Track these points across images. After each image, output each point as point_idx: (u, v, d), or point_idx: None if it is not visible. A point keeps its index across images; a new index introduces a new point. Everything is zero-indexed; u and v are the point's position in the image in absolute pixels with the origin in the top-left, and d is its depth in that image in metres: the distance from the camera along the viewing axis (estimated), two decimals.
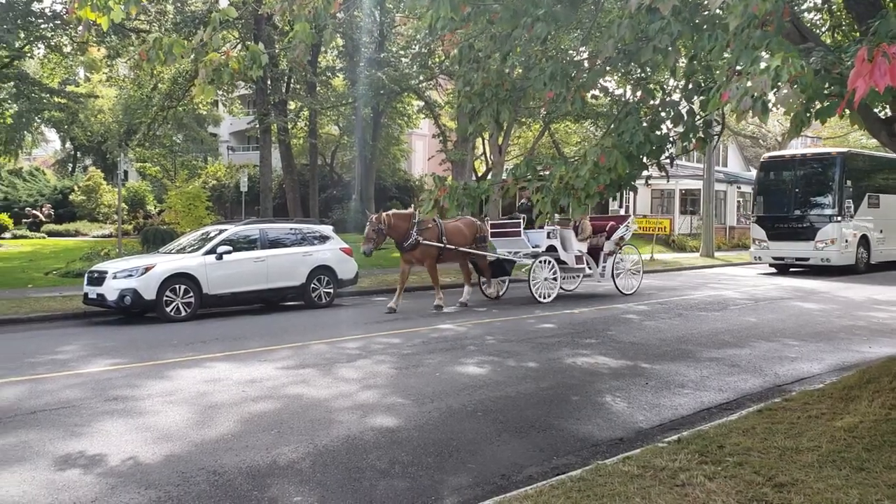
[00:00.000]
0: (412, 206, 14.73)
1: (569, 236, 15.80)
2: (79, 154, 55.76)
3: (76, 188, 42.82)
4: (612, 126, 5.78)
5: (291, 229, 15.40)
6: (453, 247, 14.33)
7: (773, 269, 22.96)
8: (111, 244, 24.23)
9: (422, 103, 33.50)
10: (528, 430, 6.03)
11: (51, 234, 34.40)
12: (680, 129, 5.81)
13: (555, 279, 15.08)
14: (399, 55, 29.34)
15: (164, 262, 12.93)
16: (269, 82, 28.07)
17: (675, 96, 6.90)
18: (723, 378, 7.96)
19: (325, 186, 41.61)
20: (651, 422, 6.35)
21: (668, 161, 5.95)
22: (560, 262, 15.52)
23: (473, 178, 29.49)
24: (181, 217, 26.62)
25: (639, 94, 6.62)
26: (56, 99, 28.30)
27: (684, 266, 25.33)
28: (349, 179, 44.26)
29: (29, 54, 28.76)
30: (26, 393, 7.22)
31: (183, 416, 6.35)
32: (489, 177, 26.01)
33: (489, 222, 16.46)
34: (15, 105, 30.08)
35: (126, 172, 43.86)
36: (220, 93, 29.68)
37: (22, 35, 24.37)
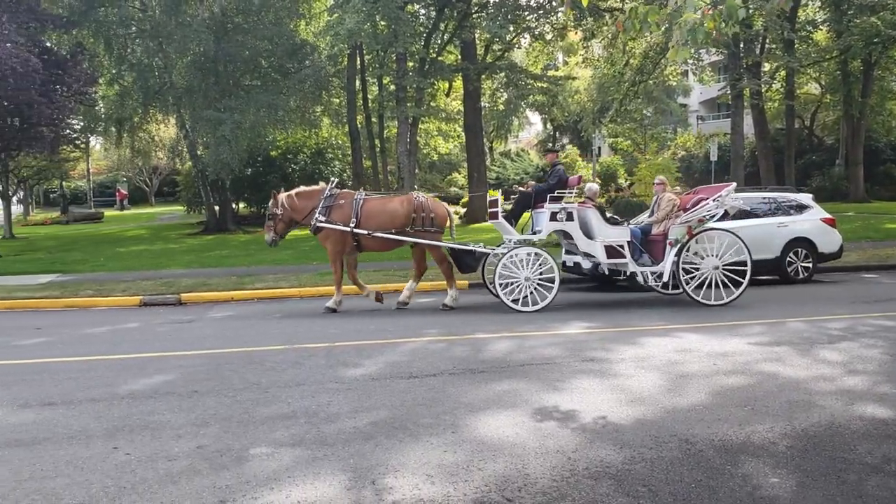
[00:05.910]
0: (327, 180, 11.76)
1: (591, 218, 11.47)
2: (557, 133, 60.84)
3: None
4: None
5: (765, 198, 14.58)
6: (364, 231, 11.03)
7: None
8: None
9: None
10: None
11: None
12: None
13: (551, 281, 11.00)
14: None
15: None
16: (741, 45, 26.87)
17: None
18: None
19: (802, 152, 38.39)
20: None
21: None
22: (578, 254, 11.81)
23: None
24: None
25: None
26: (539, 84, 31.07)
27: None
28: (831, 142, 40.16)
29: (517, 45, 32.09)
30: (514, 347, 8.15)
31: (653, 382, 6.48)
32: None
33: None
34: (505, 93, 34.02)
35: (599, 148, 46.50)
36: (691, 60, 29.20)
37: (511, 28, 27.35)
